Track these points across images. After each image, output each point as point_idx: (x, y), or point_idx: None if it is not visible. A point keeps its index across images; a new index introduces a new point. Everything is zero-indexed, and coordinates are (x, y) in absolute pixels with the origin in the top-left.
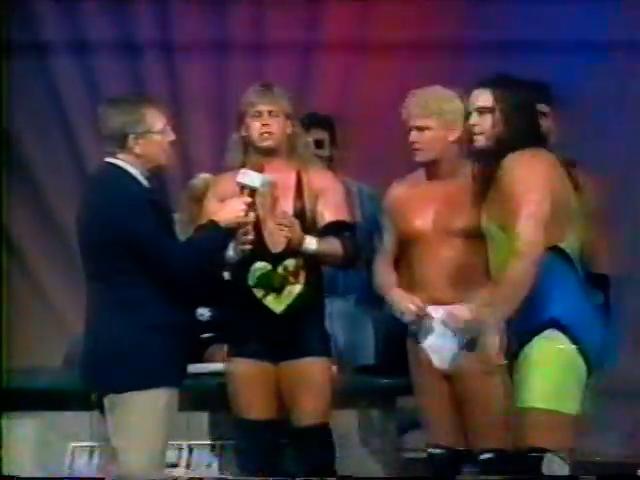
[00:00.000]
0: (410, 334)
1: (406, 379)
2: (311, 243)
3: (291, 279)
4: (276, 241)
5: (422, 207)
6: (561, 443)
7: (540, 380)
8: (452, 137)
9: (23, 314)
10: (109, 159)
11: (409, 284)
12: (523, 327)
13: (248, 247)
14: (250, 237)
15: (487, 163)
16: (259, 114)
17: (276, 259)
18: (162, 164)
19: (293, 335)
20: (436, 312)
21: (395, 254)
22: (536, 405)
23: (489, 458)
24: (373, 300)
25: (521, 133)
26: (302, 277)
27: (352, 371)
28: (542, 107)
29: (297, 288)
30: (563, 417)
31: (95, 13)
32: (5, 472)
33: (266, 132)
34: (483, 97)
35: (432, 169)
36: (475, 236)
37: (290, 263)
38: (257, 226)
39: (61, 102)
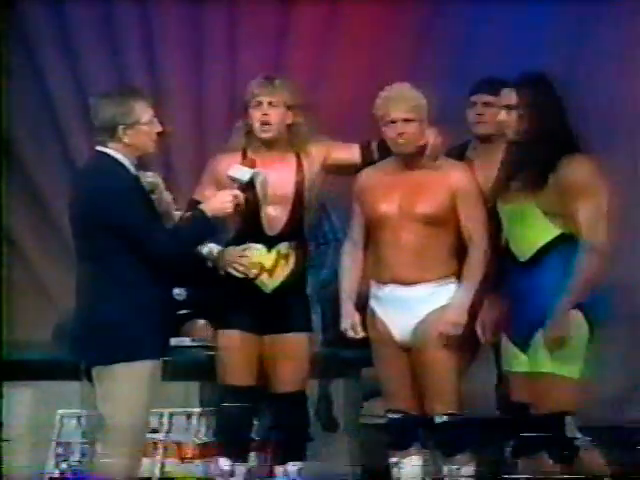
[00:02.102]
0: (370, 309)
1: (369, 351)
2: None
3: (282, 261)
4: (272, 225)
5: (389, 193)
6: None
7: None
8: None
9: (18, 292)
10: (100, 148)
11: (374, 265)
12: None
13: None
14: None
15: (517, 153)
16: (259, 104)
17: (271, 242)
18: (149, 153)
19: (280, 311)
20: (398, 291)
21: (364, 237)
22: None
23: (443, 421)
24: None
25: (546, 130)
26: (292, 259)
27: (320, 343)
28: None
29: (287, 269)
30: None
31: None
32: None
33: (265, 122)
34: (509, 95)
35: (408, 159)
36: (435, 222)
37: (283, 246)
38: (254, 211)
39: (55, 105)
